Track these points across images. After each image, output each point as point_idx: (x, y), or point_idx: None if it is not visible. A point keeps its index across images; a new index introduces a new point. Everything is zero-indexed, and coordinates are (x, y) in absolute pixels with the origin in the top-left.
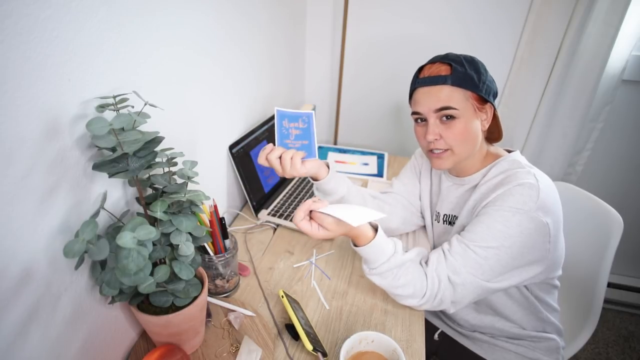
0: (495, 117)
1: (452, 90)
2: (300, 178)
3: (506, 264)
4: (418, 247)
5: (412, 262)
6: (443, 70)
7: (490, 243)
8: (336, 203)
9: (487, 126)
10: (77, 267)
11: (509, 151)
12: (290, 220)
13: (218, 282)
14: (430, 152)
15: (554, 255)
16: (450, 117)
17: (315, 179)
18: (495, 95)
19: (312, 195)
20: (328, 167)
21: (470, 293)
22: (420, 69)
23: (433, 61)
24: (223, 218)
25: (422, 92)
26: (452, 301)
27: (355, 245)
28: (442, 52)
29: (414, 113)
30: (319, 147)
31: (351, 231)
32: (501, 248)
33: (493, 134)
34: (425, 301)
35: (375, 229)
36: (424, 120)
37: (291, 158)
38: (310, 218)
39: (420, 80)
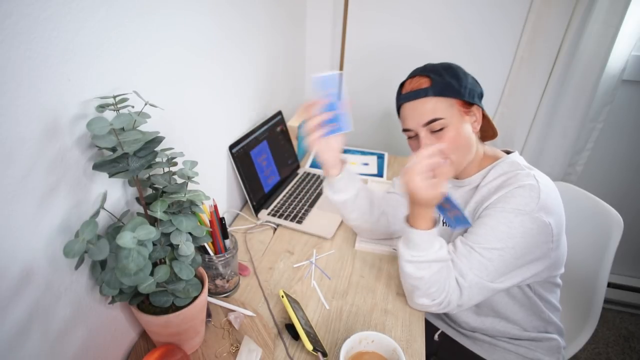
0: (485, 117)
1: (435, 101)
2: (300, 178)
3: (510, 264)
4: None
5: (448, 263)
6: (423, 82)
7: (494, 244)
8: (340, 204)
9: (478, 127)
10: (77, 267)
11: (508, 152)
12: (291, 220)
13: (218, 282)
14: None
15: (556, 253)
16: (440, 129)
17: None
18: (480, 96)
19: (312, 194)
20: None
21: (475, 294)
22: (402, 85)
23: (412, 75)
24: (223, 218)
25: (408, 107)
26: (458, 304)
27: (412, 226)
28: (442, 54)
29: (404, 130)
30: None
31: (418, 202)
32: (505, 249)
33: (487, 132)
34: (438, 303)
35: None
36: (416, 135)
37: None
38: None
39: (403, 96)
